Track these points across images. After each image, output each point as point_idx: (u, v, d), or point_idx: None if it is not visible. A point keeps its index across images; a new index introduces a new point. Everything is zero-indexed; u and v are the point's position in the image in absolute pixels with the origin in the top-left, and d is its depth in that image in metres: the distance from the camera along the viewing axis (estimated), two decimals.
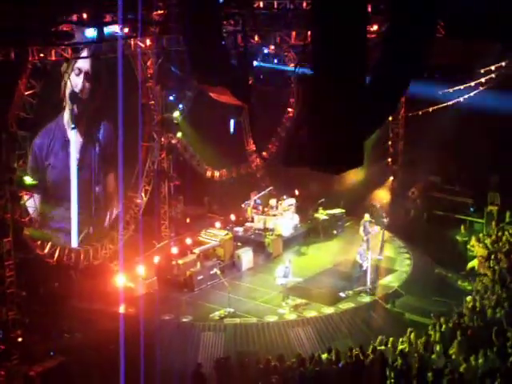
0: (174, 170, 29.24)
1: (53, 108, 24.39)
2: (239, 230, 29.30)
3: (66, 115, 25.10)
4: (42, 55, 20.39)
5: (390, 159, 33.40)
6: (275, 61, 30.51)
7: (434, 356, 17.62)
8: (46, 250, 23.53)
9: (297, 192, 31.78)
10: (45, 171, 24.81)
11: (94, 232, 26.68)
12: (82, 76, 24.88)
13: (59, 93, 24.39)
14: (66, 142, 25.34)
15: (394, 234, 29.65)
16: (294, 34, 24.30)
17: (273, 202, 30.28)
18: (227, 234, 27.85)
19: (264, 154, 32.83)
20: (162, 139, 28.18)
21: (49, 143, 24.81)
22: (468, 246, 27.93)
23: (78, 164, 25.82)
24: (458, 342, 18.02)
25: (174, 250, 26.35)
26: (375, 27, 22.72)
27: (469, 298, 22.27)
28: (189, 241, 27.14)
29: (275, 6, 22.72)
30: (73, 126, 25.01)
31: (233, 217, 30.08)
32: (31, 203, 22.88)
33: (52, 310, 23.33)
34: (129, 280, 24.16)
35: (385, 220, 28.78)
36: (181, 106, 29.62)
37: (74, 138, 25.43)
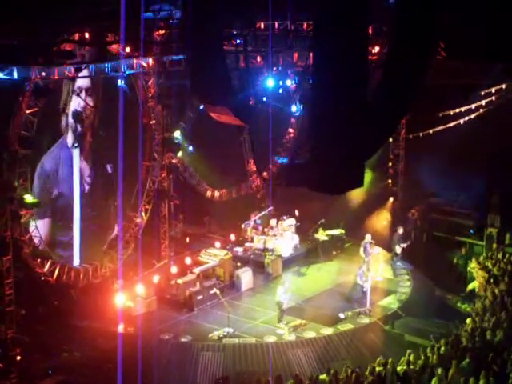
0: (175, 190, 29.22)
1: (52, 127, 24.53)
2: (239, 250, 29.21)
3: (70, 137, 25.28)
4: (44, 74, 20.47)
5: (390, 180, 33.39)
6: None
7: (434, 380, 17.50)
8: (46, 269, 23.47)
9: (297, 212, 31.69)
10: (54, 198, 25.13)
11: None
12: (83, 94, 24.90)
13: (58, 112, 24.57)
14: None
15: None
16: (296, 55, 24.39)
17: (273, 222, 30.25)
18: (227, 253, 27.82)
19: (264, 174, 32.85)
20: (163, 159, 28.18)
21: (56, 169, 24.95)
22: (468, 268, 27.89)
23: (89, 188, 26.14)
24: (457, 363, 17.92)
25: (174, 270, 26.29)
26: (377, 49, 22.82)
27: (468, 320, 22.22)
28: (188, 260, 27.10)
29: (276, 27, 22.83)
30: (76, 144, 25.11)
31: (233, 237, 30.02)
32: (36, 233, 22.99)
33: (51, 328, 23.27)
34: (128, 299, 24.11)
35: (403, 245, 28.57)
36: (182, 125, 29.68)
37: (78, 156, 25.53)
